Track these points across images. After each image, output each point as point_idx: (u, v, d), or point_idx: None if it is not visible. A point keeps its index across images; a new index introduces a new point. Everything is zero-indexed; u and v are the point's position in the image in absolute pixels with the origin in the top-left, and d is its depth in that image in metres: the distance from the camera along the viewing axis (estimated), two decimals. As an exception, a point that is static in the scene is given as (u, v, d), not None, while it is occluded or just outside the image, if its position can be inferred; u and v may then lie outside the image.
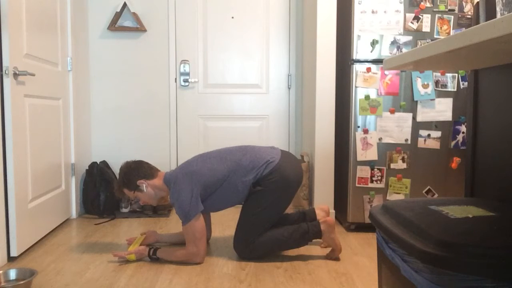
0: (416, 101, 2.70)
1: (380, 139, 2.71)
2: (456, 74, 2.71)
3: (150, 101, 3.54)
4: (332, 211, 2.96)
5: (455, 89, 2.71)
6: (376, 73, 2.69)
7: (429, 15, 2.67)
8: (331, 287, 1.94)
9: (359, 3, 2.66)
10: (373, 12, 2.67)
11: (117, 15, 3.39)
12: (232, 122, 3.61)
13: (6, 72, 2.16)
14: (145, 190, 2.29)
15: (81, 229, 2.85)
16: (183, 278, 2.04)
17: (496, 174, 1.42)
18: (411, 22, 2.67)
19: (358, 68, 2.69)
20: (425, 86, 2.69)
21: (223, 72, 3.58)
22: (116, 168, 3.39)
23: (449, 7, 2.67)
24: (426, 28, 2.68)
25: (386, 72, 2.69)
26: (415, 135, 2.71)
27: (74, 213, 3.12)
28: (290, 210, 2.81)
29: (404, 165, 2.72)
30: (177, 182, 2.21)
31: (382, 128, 2.71)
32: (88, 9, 3.43)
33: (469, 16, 2.68)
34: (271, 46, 3.58)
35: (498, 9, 1.38)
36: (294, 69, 3.60)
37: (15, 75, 2.22)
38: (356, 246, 2.52)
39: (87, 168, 3.24)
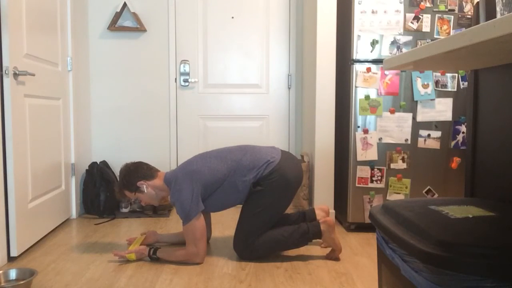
0: (416, 101, 2.70)
1: (380, 139, 2.71)
2: (456, 74, 2.72)
3: (150, 101, 3.54)
4: (332, 211, 2.96)
5: (455, 89, 2.71)
6: (376, 73, 2.69)
7: (429, 15, 2.67)
8: (331, 287, 1.94)
9: (359, 3, 2.66)
10: (373, 12, 2.67)
11: (117, 15, 3.39)
12: (232, 122, 3.61)
13: (6, 72, 2.16)
14: (145, 191, 2.29)
15: (81, 229, 2.85)
16: (183, 278, 2.04)
17: (496, 174, 1.42)
18: (411, 22, 2.67)
19: (358, 68, 2.69)
20: (425, 86, 2.69)
21: (223, 72, 3.58)
22: (116, 168, 3.39)
23: (449, 7, 2.67)
24: (426, 28, 2.68)
25: (386, 72, 2.69)
26: (415, 135, 2.71)
27: (74, 213, 3.12)
28: (290, 210, 2.81)
29: (404, 165, 2.72)
30: (177, 181, 2.21)
31: (382, 128, 2.71)
32: (88, 9, 3.43)
33: (469, 16, 2.68)
34: (271, 46, 3.58)
35: (498, 9, 1.38)
36: (294, 69, 3.60)
37: (15, 75, 2.22)
38: (356, 246, 2.52)
39: (87, 168, 3.24)
